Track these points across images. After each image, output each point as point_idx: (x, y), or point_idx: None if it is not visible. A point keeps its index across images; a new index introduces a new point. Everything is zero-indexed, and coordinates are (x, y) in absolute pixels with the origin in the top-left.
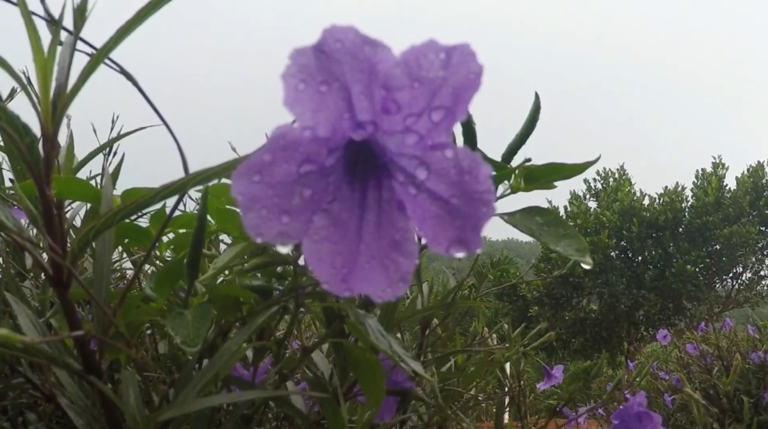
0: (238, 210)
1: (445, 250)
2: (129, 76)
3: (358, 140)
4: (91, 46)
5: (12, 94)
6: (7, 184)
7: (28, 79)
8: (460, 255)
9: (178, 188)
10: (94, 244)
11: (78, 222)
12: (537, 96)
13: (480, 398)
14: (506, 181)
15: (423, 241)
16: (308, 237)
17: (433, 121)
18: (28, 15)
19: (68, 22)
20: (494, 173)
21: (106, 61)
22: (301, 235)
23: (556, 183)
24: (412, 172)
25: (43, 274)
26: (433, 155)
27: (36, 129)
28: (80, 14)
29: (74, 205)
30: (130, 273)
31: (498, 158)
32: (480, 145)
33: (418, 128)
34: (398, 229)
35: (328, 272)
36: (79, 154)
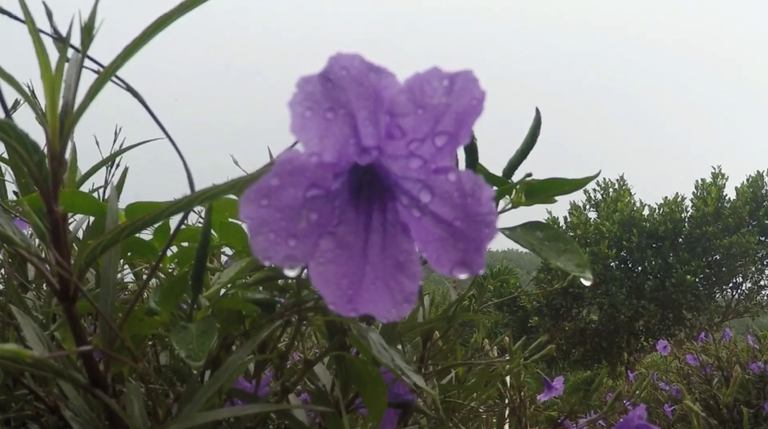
0: (240, 222)
1: (449, 271)
2: (135, 94)
3: (363, 165)
4: (98, 63)
5: (15, 105)
6: (11, 196)
7: (33, 92)
8: (463, 276)
9: (184, 206)
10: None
11: (80, 233)
12: (538, 112)
13: (481, 410)
14: (507, 196)
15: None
16: (315, 260)
17: (436, 146)
18: (36, 33)
19: (75, 39)
20: (496, 189)
21: (113, 77)
22: (307, 258)
23: (556, 197)
24: (416, 195)
25: (45, 286)
26: (437, 179)
27: (39, 140)
28: (88, 32)
29: (77, 217)
30: (130, 284)
31: (498, 170)
32: (479, 147)
33: (421, 153)
34: (402, 251)
35: (334, 294)
36: (81, 164)
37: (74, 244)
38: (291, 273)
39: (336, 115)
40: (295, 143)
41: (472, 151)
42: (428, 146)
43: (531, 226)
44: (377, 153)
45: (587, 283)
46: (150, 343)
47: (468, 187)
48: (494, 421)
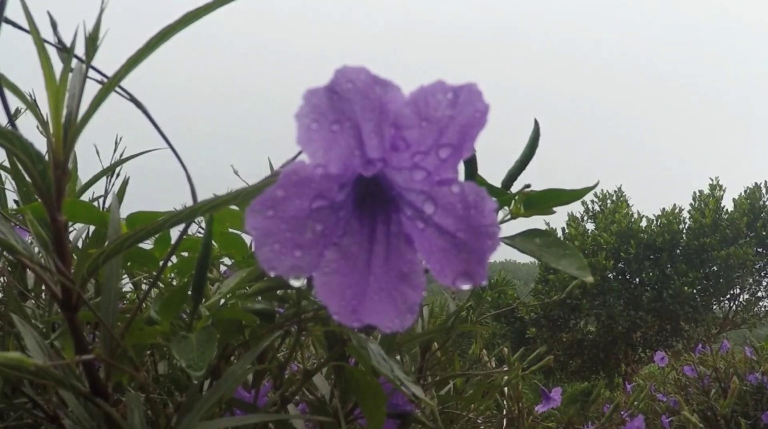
0: (240, 232)
1: (452, 282)
2: (138, 104)
3: (368, 176)
4: (101, 73)
5: (16, 113)
6: (11, 204)
7: (35, 100)
8: (465, 287)
9: (187, 217)
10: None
11: (79, 242)
12: (536, 123)
13: (479, 421)
14: (506, 207)
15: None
16: (319, 270)
17: (440, 158)
18: (40, 43)
19: (79, 49)
20: (495, 200)
21: (116, 88)
22: (312, 269)
23: (554, 208)
24: (419, 206)
25: (44, 294)
26: (440, 190)
27: (40, 148)
28: (92, 43)
29: (76, 226)
30: (128, 294)
31: (496, 181)
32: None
33: (425, 165)
34: (406, 262)
35: (338, 304)
36: (81, 173)
37: (73, 253)
38: (296, 283)
39: (342, 127)
40: (298, 154)
41: (471, 163)
42: (432, 158)
43: (530, 234)
44: (382, 165)
45: (589, 280)
46: (148, 352)
47: (471, 199)
48: None
